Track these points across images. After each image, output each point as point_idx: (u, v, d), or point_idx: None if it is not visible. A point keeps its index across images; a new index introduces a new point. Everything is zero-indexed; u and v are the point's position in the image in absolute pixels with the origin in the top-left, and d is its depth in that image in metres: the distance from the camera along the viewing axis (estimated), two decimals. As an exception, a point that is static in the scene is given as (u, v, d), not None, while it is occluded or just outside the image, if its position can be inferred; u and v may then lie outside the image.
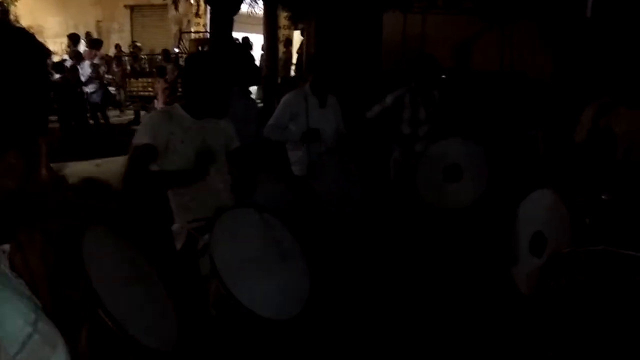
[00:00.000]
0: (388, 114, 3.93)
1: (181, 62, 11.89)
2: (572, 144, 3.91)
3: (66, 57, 10.00)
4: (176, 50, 13.93)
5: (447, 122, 4.07)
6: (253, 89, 5.98)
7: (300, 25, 12.80)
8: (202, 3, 15.10)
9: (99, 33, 15.68)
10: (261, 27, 12.04)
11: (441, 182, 3.77)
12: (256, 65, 3.37)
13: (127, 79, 12.27)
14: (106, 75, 10.65)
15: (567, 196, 2.60)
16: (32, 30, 1.10)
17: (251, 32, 13.33)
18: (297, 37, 15.06)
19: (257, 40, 13.25)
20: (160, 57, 12.69)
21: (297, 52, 14.40)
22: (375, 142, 4.28)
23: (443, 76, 8.17)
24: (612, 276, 1.57)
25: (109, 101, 10.49)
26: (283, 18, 13.19)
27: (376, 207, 3.88)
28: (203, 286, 2.19)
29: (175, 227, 2.50)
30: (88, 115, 9.36)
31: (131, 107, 11.52)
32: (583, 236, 2.45)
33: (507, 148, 5.20)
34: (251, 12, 10.58)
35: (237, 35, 11.67)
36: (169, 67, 10.71)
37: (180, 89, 9.56)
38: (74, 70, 8.87)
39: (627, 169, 3.39)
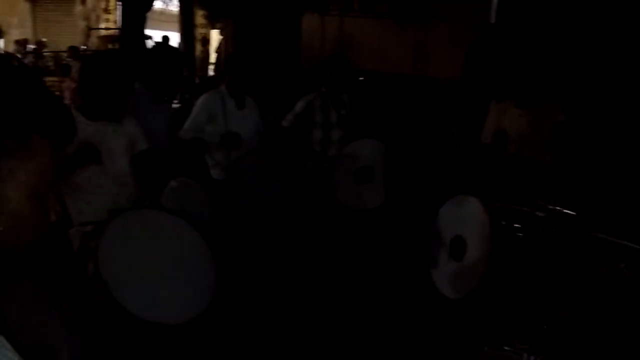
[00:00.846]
0: (301, 120, 3.90)
1: (90, 60, 11.19)
2: (479, 146, 4.14)
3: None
4: (84, 47, 13.13)
5: (360, 125, 4.12)
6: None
7: (219, 24, 12.54)
8: (112, -2, 14.36)
9: (-4, 28, 14.42)
10: (176, 25, 11.65)
11: (354, 184, 3.81)
12: (180, 70, 3.17)
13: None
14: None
15: (486, 201, 2.71)
16: None
17: (165, 29, 12.85)
18: (215, 35, 14.74)
19: (172, 39, 12.80)
20: (66, 54, 11.90)
21: (216, 52, 14.09)
22: (291, 148, 4.25)
23: (361, 78, 8.36)
24: (597, 261, 1.65)
25: None
26: (200, 16, 12.84)
27: (294, 211, 3.86)
28: (91, 291, 2.11)
29: (71, 231, 2.40)
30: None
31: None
32: (501, 239, 2.57)
33: (424, 150, 5.38)
34: (165, 9, 10.20)
35: (154, 33, 11.21)
36: (77, 65, 10.05)
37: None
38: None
39: (520, 164, 3.66)
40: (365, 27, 9.73)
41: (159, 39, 11.04)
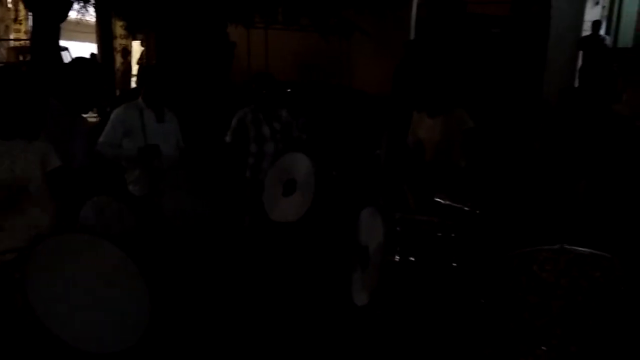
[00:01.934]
0: (238, 135, 3.91)
1: (-2, 72, 10.49)
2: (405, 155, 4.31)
3: None
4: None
5: (303, 138, 4.16)
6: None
7: (140, 35, 12.16)
8: (22, 8, 13.53)
9: None
10: (94, 36, 11.18)
11: (280, 197, 3.82)
12: (98, 85, 3.01)
13: None
14: None
15: (385, 212, 2.77)
16: None
17: (82, 40, 12.29)
18: (136, 47, 14.27)
19: (90, 50, 12.27)
20: (-30, 66, 11.06)
21: (138, 63, 13.64)
22: (230, 162, 4.23)
23: (288, 90, 8.41)
24: (573, 272, 1.64)
25: None
26: (119, 27, 12.39)
27: (227, 225, 3.81)
28: (20, 324, 1.97)
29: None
30: None
31: None
32: (396, 248, 2.65)
33: (352, 161, 5.47)
34: (81, 19, 9.73)
35: (70, 44, 10.68)
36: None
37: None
38: None
39: (437, 168, 3.87)
40: (292, 39, 9.82)
41: (85, 55, 10.56)
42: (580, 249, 1.70)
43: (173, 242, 3.29)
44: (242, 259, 3.80)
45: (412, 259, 2.67)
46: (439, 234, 2.71)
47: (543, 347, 1.51)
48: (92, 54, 11.10)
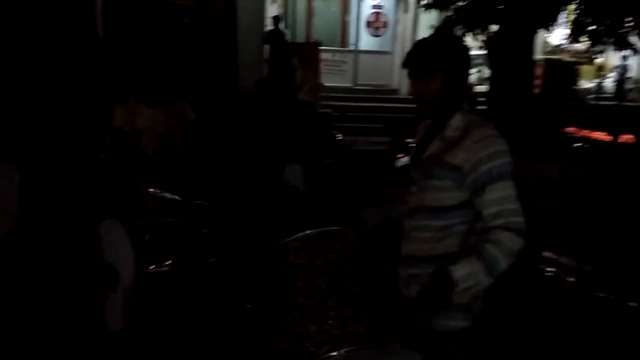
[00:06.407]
0: None
1: None
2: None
3: None
4: None
5: None
6: None
7: None
8: None
9: None
10: None
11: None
12: None
13: None
14: None
15: (129, 224, 2.57)
16: None
17: None
18: None
19: None
20: None
21: None
22: None
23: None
24: (321, 250, 1.76)
25: None
26: None
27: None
28: None
29: None
30: None
31: None
32: (146, 254, 2.47)
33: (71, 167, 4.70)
34: None
35: None
36: None
37: None
38: None
39: (160, 161, 3.74)
40: None
41: None
42: (317, 230, 1.84)
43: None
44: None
45: (168, 263, 2.53)
46: (191, 233, 2.62)
47: (330, 322, 1.63)
48: None
